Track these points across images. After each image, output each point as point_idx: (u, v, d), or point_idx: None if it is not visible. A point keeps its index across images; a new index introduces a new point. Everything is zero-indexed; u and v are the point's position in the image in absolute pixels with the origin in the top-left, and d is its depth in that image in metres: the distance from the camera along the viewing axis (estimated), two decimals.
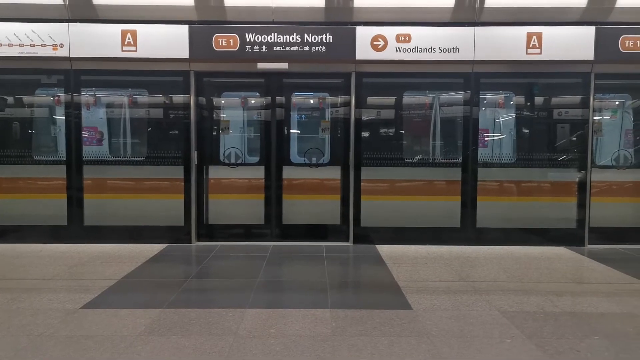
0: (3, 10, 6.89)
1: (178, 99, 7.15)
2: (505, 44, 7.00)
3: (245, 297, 4.74)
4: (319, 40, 6.97)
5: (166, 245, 7.02)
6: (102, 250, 6.65)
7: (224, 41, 6.94)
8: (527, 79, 7.29)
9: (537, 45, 6.98)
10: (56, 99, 7.24)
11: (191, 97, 7.09)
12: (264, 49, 6.97)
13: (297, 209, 7.29)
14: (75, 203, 7.10)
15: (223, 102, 7.50)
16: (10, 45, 6.85)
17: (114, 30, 6.89)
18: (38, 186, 7.11)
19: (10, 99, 7.28)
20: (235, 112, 7.63)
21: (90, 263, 6.04)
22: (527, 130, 7.43)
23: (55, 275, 5.49)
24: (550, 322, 4.15)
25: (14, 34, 6.84)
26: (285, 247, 7.01)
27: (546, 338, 3.80)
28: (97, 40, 6.90)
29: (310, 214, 7.32)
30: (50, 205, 7.09)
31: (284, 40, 6.96)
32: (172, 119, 7.21)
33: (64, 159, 7.11)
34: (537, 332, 3.91)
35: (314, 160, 7.35)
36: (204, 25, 6.96)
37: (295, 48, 6.98)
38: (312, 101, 7.60)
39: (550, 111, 7.35)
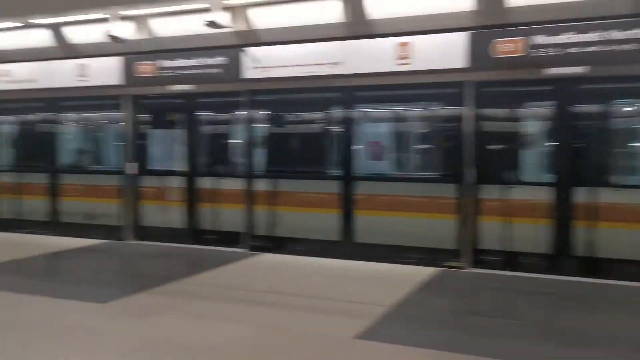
0: (289, 34, 7.25)
1: (453, 111, 6.65)
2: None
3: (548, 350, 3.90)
4: (627, 38, 5.77)
5: (436, 269, 6.43)
6: (371, 269, 6.49)
7: (506, 46, 6.21)
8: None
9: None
10: (330, 115, 7.39)
11: (469, 109, 6.49)
12: (553, 51, 6.03)
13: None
14: (347, 218, 7.14)
15: (505, 113, 6.64)
16: (298, 66, 7.17)
17: (388, 44, 6.73)
18: (311, 200, 7.36)
19: (292, 117, 7.75)
20: (517, 123, 6.70)
21: (358, 283, 5.90)
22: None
23: (323, 293, 5.45)
24: None
25: (299, 56, 7.16)
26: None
27: None
28: (371, 56, 6.81)
29: None
30: (324, 220, 7.23)
31: (581, 41, 5.93)
32: (447, 133, 6.82)
33: (341, 173, 7.21)
34: None
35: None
36: (483, 31, 6.36)
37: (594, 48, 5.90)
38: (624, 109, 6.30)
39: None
